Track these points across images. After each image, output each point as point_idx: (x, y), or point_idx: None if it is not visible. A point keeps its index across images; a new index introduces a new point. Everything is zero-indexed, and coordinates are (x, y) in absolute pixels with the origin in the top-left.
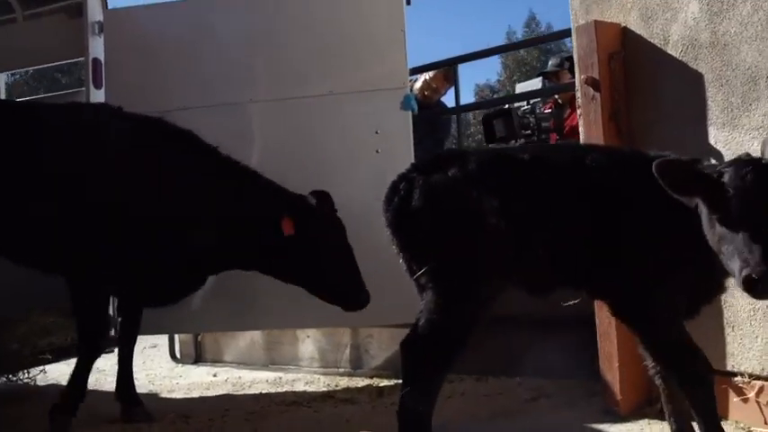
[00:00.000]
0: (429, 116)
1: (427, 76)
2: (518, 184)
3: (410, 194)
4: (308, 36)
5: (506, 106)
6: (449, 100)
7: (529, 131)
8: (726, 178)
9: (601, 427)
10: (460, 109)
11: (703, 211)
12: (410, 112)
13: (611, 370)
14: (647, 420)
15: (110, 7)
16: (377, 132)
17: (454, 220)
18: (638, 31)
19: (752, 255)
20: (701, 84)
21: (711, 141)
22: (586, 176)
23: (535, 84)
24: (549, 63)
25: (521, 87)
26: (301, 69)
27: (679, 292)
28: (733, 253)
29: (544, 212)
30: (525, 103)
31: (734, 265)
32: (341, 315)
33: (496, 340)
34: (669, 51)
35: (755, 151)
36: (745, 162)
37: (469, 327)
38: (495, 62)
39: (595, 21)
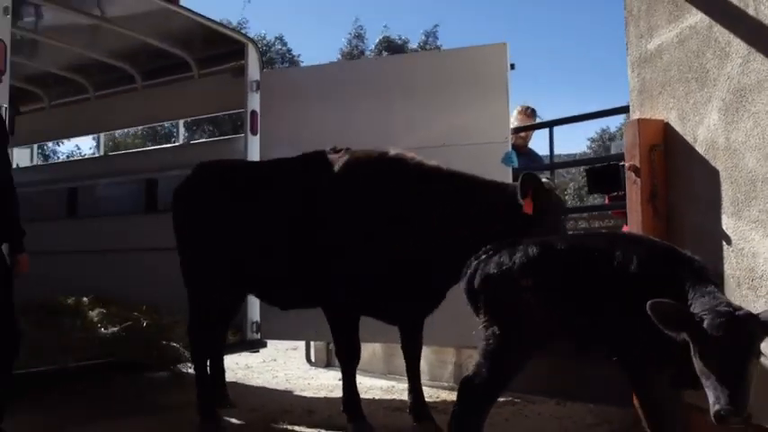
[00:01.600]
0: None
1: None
2: (554, 271)
3: (476, 271)
4: (428, 96)
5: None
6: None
7: None
8: (705, 325)
9: None
10: (555, 165)
11: (689, 344)
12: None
13: None
14: None
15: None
16: None
17: (500, 295)
18: (676, 128)
19: (722, 394)
20: (717, 179)
21: (723, 227)
22: (612, 267)
23: None
24: None
25: (617, 146)
26: (422, 124)
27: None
28: (709, 387)
29: (574, 295)
30: None
31: (709, 397)
32: (446, 335)
33: (585, 368)
34: (697, 148)
35: (753, 240)
36: (720, 313)
37: (506, 374)
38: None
39: (638, 119)
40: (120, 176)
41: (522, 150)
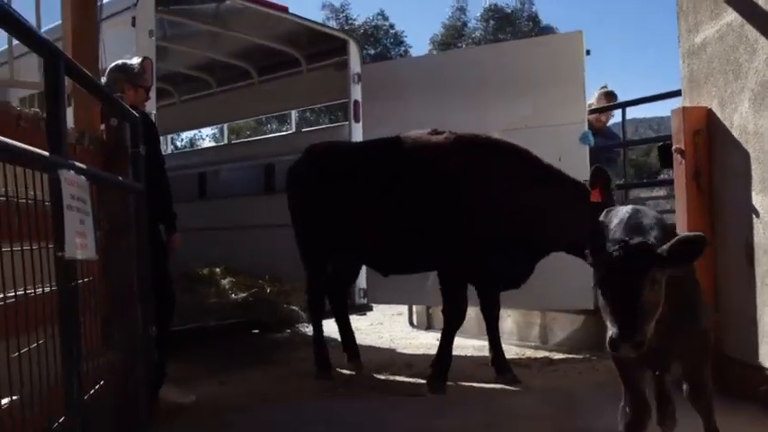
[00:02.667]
0: (601, 142)
1: (593, 101)
2: None
3: None
4: (511, 83)
5: None
6: None
7: None
8: (599, 254)
9: None
10: (627, 143)
11: None
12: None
13: None
14: None
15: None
16: (560, 159)
17: None
18: (717, 114)
19: (614, 321)
20: (748, 160)
21: (754, 203)
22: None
23: None
24: None
25: None
26: (505, 108)
27: None
28: (606, 318)
29: None
30: None
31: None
32: (533, 300)
33: None
34: (733, 133)
35: None
36: (615, 241)
37: None
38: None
39: (683, 107)
40: (242, 162)
41: (600, 131)
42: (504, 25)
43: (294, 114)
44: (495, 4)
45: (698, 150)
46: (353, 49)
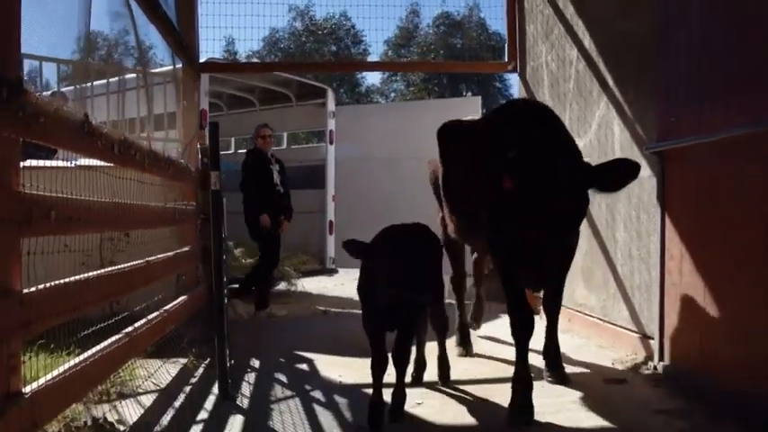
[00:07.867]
0: None
1: None
2: None
3: None
4: (433, 125)
5: None
6: None
7: None
8: None
9: None
10: None
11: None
12: None
13: None
14: None
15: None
16: None
17: None
18: None
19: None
20: None
21: None
22: None
23: None
24: None
25: None
26: (430, 142)
27: None
28: None
29: None
30: None
31: None
32: None
33: None
34: None
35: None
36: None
37: None
38: None
39: None
40: None
41: None
42: (454, 31)
43: (285, 135)
44: (447, 12)
45: None
46: (330, 94)
